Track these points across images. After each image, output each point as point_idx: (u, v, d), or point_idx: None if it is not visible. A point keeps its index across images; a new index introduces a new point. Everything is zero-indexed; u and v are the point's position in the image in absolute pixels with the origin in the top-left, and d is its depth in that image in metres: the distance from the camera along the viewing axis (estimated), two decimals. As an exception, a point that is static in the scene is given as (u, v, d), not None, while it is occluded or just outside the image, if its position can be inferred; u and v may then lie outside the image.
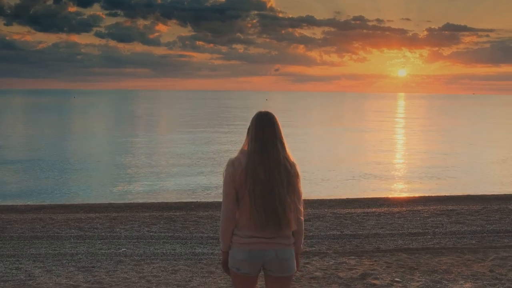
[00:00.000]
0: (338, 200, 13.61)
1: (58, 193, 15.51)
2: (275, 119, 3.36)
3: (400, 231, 9.48)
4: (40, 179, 17.88)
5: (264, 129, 3.29)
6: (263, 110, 3.43)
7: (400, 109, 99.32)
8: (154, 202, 13.06)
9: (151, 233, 9.03)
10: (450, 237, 9.06)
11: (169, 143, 30.74)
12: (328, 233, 9.30)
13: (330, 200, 13.48)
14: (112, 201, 13.43)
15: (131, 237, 8.80)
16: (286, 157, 3.30)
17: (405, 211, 11.44)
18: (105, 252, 7.84)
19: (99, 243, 8.38)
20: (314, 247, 8.39)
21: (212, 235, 8.98)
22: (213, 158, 23.35)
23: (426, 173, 20.60)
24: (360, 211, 11.56)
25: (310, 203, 12.92)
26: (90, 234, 8.96)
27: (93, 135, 35.16)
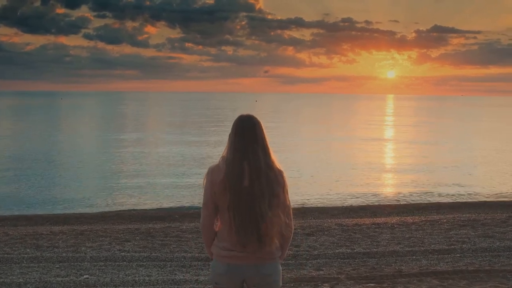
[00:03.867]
0: (341, 208, 12.12)
1: (28, 201, 13.79)
2: (258, 123, 3.07)
3: (422, 248, 7.97)
4: (10, 185, 16.16)
5: (244, 135, 3.01)
6: (245, 113, 3.13)
7: (394, 112, 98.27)
8: (132, 212, 11.48)
9: (123, 253, 7.44)
10: (483, 256, 7.56)
11: (155, 147, 29.12)
12: (337, 250, 7.76)
13: (333, 208, 12.00)
14: (85, 211, 11.82)
15: (98, 258, 7.20)
16: (269, 165, 3.00)
17: (421, 221, 9.95)
18: (61, 281, 6.23)
19: (57, 268, 6.77)
20: (322, 270, 6.85)
21: (197, 255, 7.41)
22: (201, 162, 21.82)
23: (427, 178, 19.13)
24: (369, 221, 10.05)
25: (311, 212, 11.45)
26: (48, 255, 7.35)
27: (73, 138, 33.19)
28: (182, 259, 7.22)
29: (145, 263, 7.04)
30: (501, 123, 58.64)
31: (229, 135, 3.09)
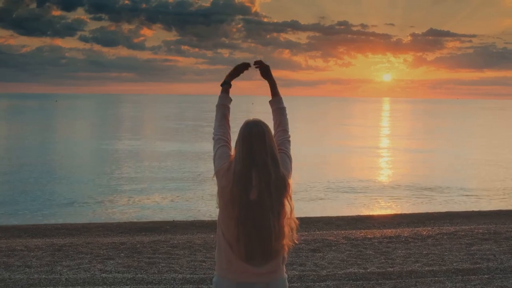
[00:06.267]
0: (347, 218, 11.22)
1: (7, 210, 12.77)
2: (266, 128, 2.87)
3: (443, 267, 7.05)
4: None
5: (252, 143, 2.81)
6: (251, 118, 2.90)
7: (393, 115, 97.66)
8: (119, 222, 10.53)
9: (104, 274, 6.50)
10: (515, 277, 6.64)
11: (148, 154, 28.20)
12: (348, 270, 6.84)
13: (338, 218, 11.11)
14: (67, 221, 10.86)
15: (74, 281, 6.26)
16: (278, 175, 2.82)
17: (436, 234, 9.03)
18: (28, 311, 5.30)
19: (25, 293, 5.83)
20: (333, 295, 5.93)
21: (189, 276, 6.48)
22: (196, 173, 20.93)
23: (432, 185, 18.23)
24: (379, 234, 9.14)
25: (314, 223, 10.56)
26: (18, 276, 6.40)
27: (63, 142, 31.97)
28: (172, 282, 6.29)
29: (129, 286, 6.11)
30: (499, 127, 57.95)
31: (236, 142, 2.88)
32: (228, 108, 3.13)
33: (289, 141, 3.10)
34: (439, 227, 10.11)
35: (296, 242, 2.90)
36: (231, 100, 3.17)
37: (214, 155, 2.97)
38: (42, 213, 12.27)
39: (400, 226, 10.48)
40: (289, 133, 3.15)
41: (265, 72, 3.22)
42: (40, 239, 8.88)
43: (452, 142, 35.91)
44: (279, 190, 2.83)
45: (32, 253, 7.47)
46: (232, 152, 2.93)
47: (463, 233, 9.07)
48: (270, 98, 3.23)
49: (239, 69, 3.21)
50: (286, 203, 2.88)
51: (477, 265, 7.11)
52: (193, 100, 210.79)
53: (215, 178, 2.91)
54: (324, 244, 8.17)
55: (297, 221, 2.90)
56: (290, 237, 2.86)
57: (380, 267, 7.02)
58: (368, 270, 6.85)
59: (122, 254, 7.48)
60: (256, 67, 3.24)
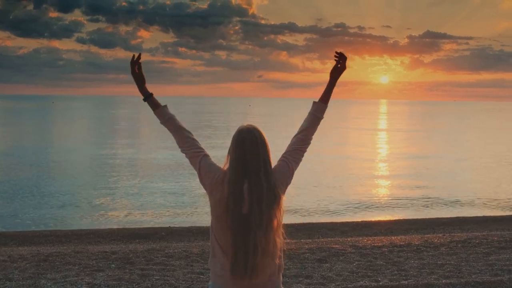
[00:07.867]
0: (352, 224, 10.69)
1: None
2: (261, 137, 2.68)
3: (461, 279, 6.49)
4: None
5: (246, 151, 2.65)
6: (245, 125, 2.72)
7: (391, 117, 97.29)
8: (112, 229, 9.95)
9: (91, 289, 5.92)
10: (541, 291, 6.09)
11: (143, 157, 27.64)
12: (358, 283, 6.28)
13: (342, 224, 10.56)
14: (59, 227, 10.29)
15: (59, 296, 5.69)
16: (270, 185, 2.66)
17: (449, 242, 8.50)
18: (4, 333, 4.73)
19: (3, 312, 5.26)
20: (344, 312, 5.37)
21: (185, 290, 5.91)
22: (193, 179, 20.37)
23: (436, 188, 17.71)
24: (387, 241, 8.60)
25: (318, 229, 10.02)
26: (-3, 291, 5.83)
27: (55, 145, 31.37)
28: (166, 297, 5.72)
29: (119, 303, 5.54)
30: (499, 129, 57.57)
31: (229, 149, 2.72)
32: (173, 117, 2.85)
33: (302, 151, 2.86)
34: (450, 234, 9.58)
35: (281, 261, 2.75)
36: (166, 106, 2.89)
37: (199, 171, 2.75)
38: (31, 218, 11.67)
39: (409, 232, 9.95)
40: (311, 141, 2.90)
41: (338, 71, 2.96)
42: (26, 247, 8.32)
43: (453, 144, 35.44)
44: (269, 203, 2.66)
45: (15, 264, 6.89)
46: (225, 160, 2.74)
47: (477, 241, 8.53)
48: (317, 99, 3.01)
49: (138, 73, 2.90)
50: (276, 217, 2.70)
51: (498, 277, 6.55)
52: (190, 102, 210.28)
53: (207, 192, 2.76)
54: (330, 253, 7.62)
55: (282, 238, 2.71)
56: (277, 252, 2.71)
57: (393, 279, 6.46)
58: (381, 283, 6.29)
59: (113, 265, 6.90)
60: (335, 58, 2.93)
